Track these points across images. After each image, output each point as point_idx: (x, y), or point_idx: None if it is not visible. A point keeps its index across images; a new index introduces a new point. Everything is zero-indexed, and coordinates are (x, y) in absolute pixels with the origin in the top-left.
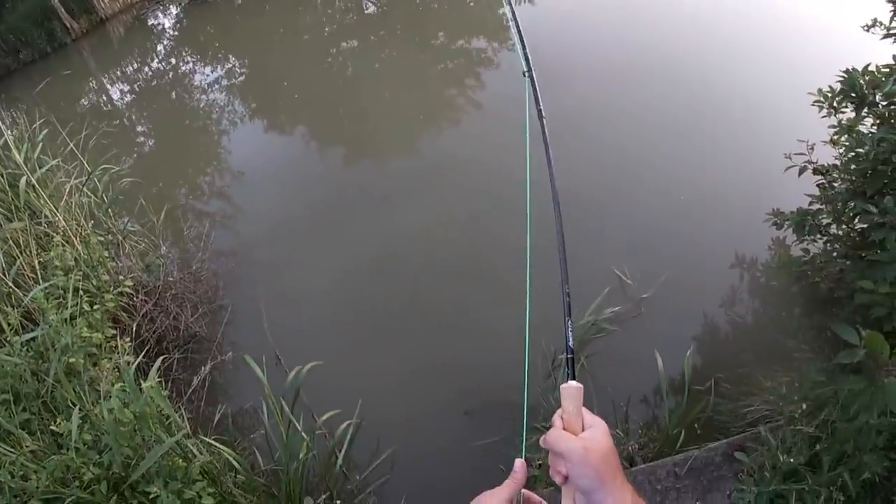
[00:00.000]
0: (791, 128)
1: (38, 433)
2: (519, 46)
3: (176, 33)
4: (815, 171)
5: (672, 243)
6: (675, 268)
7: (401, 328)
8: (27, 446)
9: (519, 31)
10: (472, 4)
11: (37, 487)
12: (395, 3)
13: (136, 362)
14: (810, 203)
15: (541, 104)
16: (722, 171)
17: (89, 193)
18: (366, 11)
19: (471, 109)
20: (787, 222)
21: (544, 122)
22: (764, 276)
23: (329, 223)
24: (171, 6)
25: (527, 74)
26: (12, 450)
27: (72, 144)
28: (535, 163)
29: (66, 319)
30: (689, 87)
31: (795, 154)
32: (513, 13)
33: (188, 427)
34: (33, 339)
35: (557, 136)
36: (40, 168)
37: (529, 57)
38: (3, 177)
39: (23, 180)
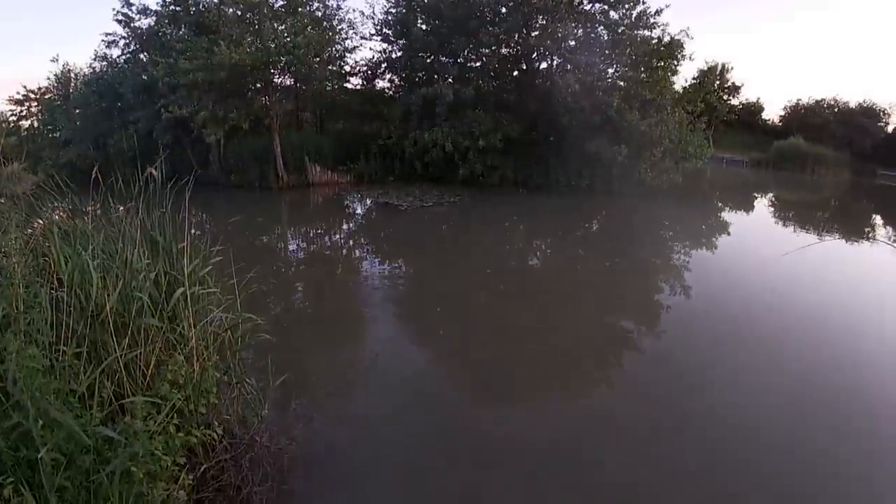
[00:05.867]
0: None
1: None
2: None
3: (363, 221)
4: None
5: None
6: None
7: None
8: None
9: None
10: None
11: None
12: None
13: None
14: None
15: None
16: None
17: (229, 330)
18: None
19: None
20: None
21: None
22: None
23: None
24: (367, 199)
25: None
26: None
27: (234, 281)
28: None
29: (148, 431)
30: None
31: None
32: None
33: None
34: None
35: None
36: (200, 286)
37: None
38: (166, 276)
39: (179, 290)
